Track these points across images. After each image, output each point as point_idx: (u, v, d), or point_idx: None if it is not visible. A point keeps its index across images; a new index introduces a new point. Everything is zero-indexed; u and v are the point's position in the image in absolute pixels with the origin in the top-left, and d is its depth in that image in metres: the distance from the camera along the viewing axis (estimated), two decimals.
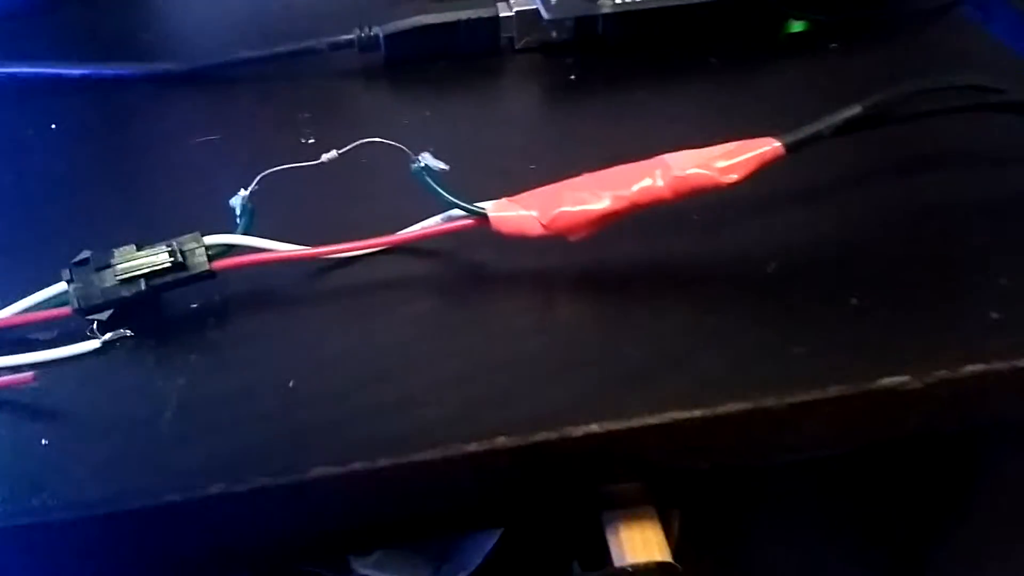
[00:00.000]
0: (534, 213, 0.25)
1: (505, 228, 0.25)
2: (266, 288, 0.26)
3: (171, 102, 0.33)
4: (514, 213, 0.25)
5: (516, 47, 0.35)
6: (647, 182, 0.24)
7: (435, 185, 0.25)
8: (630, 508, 0.26)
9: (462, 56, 0.34)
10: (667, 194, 0.24)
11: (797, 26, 0.36)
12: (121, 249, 0.24)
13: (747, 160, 0.24)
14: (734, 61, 0.34)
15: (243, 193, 0.25)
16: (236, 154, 0.30)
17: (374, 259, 0.26)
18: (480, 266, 0.26)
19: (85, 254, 0.24)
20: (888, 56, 0.35)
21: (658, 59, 0.34)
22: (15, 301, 0.24)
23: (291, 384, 0.23)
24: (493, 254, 0.26)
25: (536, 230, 0.25)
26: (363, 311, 0.25)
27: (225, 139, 0.31)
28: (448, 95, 0.33)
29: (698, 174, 0.24)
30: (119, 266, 0.23)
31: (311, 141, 0.31)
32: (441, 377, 0.23)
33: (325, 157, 0.25)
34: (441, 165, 0.25)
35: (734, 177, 0.24)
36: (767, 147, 0.25)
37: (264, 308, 0.25)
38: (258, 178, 0.25)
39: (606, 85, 0.34)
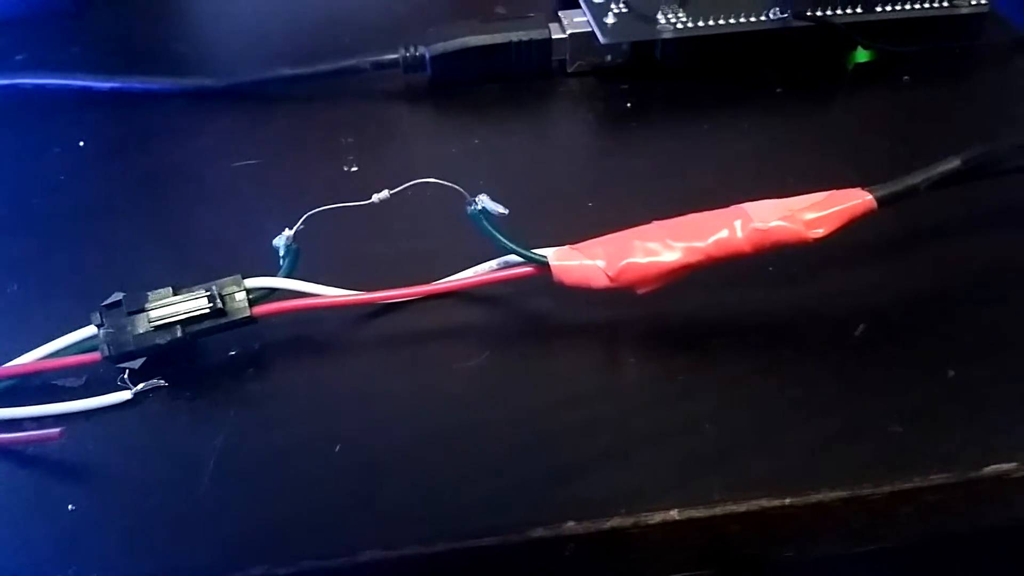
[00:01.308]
0: (600, 263, 0.23)
1: (568, 278, 0.23)
2: (308, 335, 0.24)
3: (206, 120, 0.31)
4: (578, 263, 0.23)
5: (568, 71, 0.33)
6: (724, 234, 0.22)
7: (493, 230, 0.23)
8: None
9: (511, 79, 0.33)
10: (746, 248, 0.22)
11: (863, 56, 0.34)
12: (156, 292, 0.22)
13: (836, 214, 0.22)
14: (802, 92, 0.32)
15: (287, 233, 0.23)
16: (276, 182, 0.29)
17: (423, 305, 0.24)
18: (537, 317, 0.24)
19: (117, 296, 0.22)
20: (965, 92, 0.33)
21: (720, 88, 0.32)
22: (39, 343, 0.22)
23: (337, 449, 0.21)
24: (551, 304, 0.24)
25: (601, 282, 0.23)
26: (412, 365, 0.23)
27: (264, 164, 0.29)
28: (497, 121, 0.31)
29: (782, 227, 0.22)
30: (154, 311, 0.22)
31: (354, 169, 0.29)
32: (500, 447, 0.21)
33: (376, 198, 0.23)
34: (500, 209, 0.23)
35: (820, 232, 0.22)
36: (858, 200, 0.23)
37: (306, 358, 0.23)
38: (304, 217, 0.23)
39: (665, 114, 0.32)
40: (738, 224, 0.22)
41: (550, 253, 0.23)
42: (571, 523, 0.19)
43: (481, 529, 0.19)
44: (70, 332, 0.22)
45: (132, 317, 0.22)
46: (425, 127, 0.32)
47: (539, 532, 0.19)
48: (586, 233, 0.24)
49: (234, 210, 0.27)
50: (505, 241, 0.23)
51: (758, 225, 0.22)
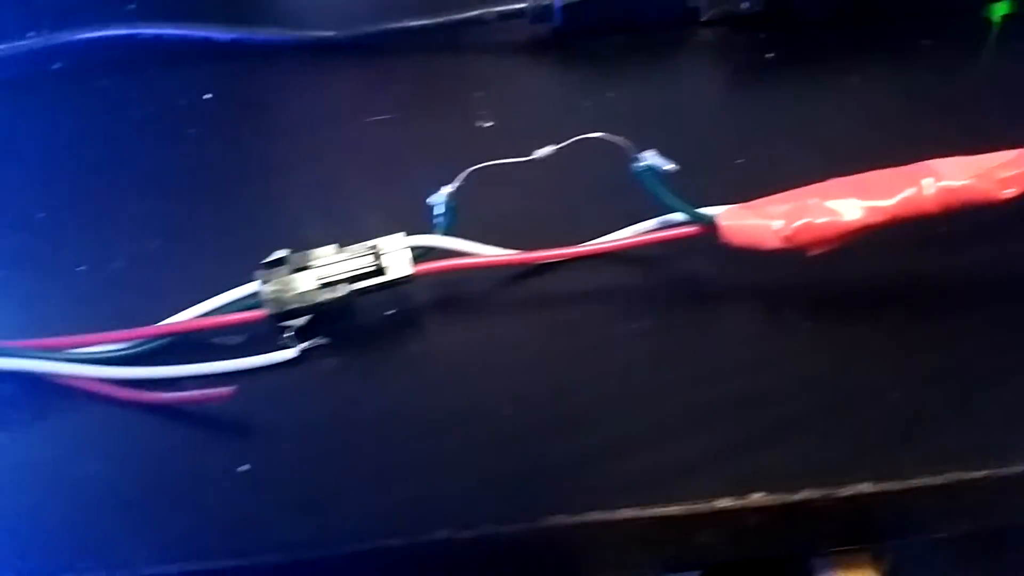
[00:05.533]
0: (774, 223, 0.22)
1: (737, 239, 0.22)
2: (461, 294, 0.23)
3: (331, 73, 0.30)
4: (749, 222, 0.22)
5: (701, 19, 0.32)
6: (911, 192, 0.21)
7: (662, 188, 0.22)
8: (845, 555, 0.24)
9: (640, 29, 0.31)
10: (933, 208, 0.21)
11: (1003, 8, 0.32)
12: (321, 249, 0.22)
13: None
14: (949, 44, 0.30)
15: (446, 190, 0.22)
16: (412, 138, 0.28)
17: (574, 265, 0.24)
18: (698, 279, 0.23)
19: (281, 253, 0.22)
20: None
21: (863, 38, 0.30)
22: (183, 299, 0.22)
23: (507, 414, 0.20)
24: (711, 265, 0.23)
25: (772, 243, 0.22)
26: (572, 328, 0.22)
27: (397, 120, 0.28)
28: (629, 74, 0.30)
29: (973, 186, 0.21)
30: (320, 269, 0.21)
31: (489, 124, 0.28)
32: (674, 414, 0.20)
33: (540, 153, 0.22)
34: (670, 165, 0.22)
35: (1012, 192, 0.21)
36: None
37: (464, 318, 0.23)
38: (464, 174, 0.22)
39: (808, 66, 0.30)
40: (926, 182, 0.21)
41: (719, 212, 0.22)
42: (759, 494, 0.19)
43: (666, 496, 0.19)
44: (215, 288, 0.22)
45: (297, 275, 0.21)
46: (555, 80, 0.31)
47: (724, 502, 0.19)
48: (739, 191, 0.23)
49: (373, 166, 0.27)
50: (674, 199, 0.22)
51: (948, 183, 0.21)
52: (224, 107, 0.30)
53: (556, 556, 0.19)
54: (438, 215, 0.23)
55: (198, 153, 0.28)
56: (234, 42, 0.32)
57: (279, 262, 0.21)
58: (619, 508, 0.19)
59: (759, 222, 0.22)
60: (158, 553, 0.18)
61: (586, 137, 0.22)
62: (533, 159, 0.22)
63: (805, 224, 0.21)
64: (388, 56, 0.31)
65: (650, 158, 0.22)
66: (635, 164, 0.22)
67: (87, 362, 0.21)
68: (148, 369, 0.21)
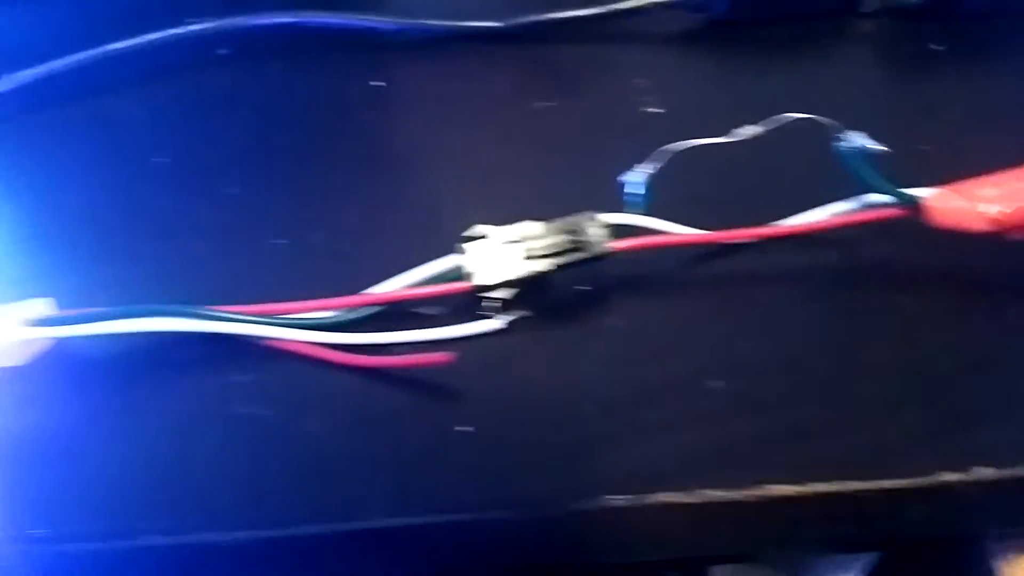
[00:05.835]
0: (982, 206, 0.22)
1: (945, 220, 0.22)
2: (650, 272, 0.23)
3: (494, 62, 0.31)
4: (957, 204, 0.22)
5: (863, 11, 0.32)
6: None
7: (868, 168, 0.22)
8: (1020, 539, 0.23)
9: (799, 19, 0.31)
10: None
11: None
12: (522, 225, 0.22)
13: None
14: None
15: (644, 169, 0.23)
16: (582, 123, 0.28)
17: (764, 246, 0.24)
18: (894, 260, 0.23)
19: (483, 229, 0.22)
20: None
21: None
22: (390, 272, 0.22)
23: (715, 386, 0.21)
24: (904, 247, 0.23)
25: (978, 225, 0.22)
26: (770, 306, 0.22)
27: (563, 106, 0.29)
28: (793, 62, 0.30)
29: None
30: (523, 244, 0.22)
31: (660, 111, 0.28)
32: (889, 390, 0.20)
33: (745, 133, 0.22)
34: (878, 147, 0.22)
35: None
36: None
37: (655, 295, 0.23)
38: (665, 154, 0.23)
39: (976, 58, 0.30)
40: None
41: (926, 194, 0.22)
42: (984, 469, 0.19)
43: (889, 469, 0.19)
44: (409, 261, 0.22)
45: (502, 249, 0.22)
46: (718, 69, 0.31)
47: (948, 476, 0.19)
48: (930, 176, 0.23)
49: (547, 149, 0.27)
50: (881, 180, 0.22)
51: None
52: (394, 93, 0.30)
53: (770, 525, 0.19)
54: (633, 194, 0.23)
55: (376, 135, 0.29)
56: (398, 32, 0.33)
57: (481, 236, 0.22)
58: (842, 480, 0.19)
59: (967, 204, 0.22)
60: (392, 506, 0.19)
61: (795, 117, 0.22)
62: (734, 140, 0.23)
63: (1020, 208, 0.21)
64: (547, 45, 0.31)
65: (857, 138, 0.22)
66: (841, 144, 0.22)
67: (303, 327, 0.22)
68: (365, 335, 0.22)
